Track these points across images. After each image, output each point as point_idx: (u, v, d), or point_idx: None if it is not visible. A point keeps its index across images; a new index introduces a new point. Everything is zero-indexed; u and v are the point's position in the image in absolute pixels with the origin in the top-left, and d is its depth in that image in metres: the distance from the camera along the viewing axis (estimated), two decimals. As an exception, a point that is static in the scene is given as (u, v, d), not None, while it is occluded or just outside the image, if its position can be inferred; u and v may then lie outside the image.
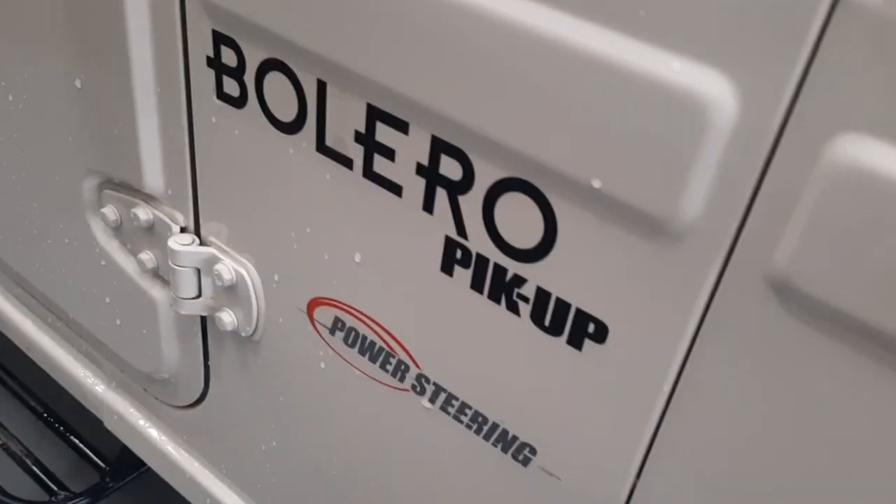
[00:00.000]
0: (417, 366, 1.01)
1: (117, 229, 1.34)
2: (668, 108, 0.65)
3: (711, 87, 0.63)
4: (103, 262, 1.39)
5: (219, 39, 0.97)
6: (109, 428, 1.72)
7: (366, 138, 0.89)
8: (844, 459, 0.71)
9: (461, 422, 0.99)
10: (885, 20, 0.55)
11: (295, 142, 0.97)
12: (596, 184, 0.72)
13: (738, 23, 0.61)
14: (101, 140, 1.23)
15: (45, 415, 2.20)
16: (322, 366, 1.14)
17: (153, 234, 1.26)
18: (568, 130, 0.72)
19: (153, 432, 1.62)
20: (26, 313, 1.82)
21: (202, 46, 1.00)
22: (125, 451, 1.87)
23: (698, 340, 0.75)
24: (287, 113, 0.96)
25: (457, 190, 0.85)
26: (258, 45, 0.94)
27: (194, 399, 1.46)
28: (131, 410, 1.65)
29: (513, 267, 0.85)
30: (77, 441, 2.17)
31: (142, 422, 1.64)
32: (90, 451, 2.15)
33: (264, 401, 1.30)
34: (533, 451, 0.94)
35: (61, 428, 2.18)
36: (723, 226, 0.68)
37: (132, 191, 1.25)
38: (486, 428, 0.97)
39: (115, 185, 1.28)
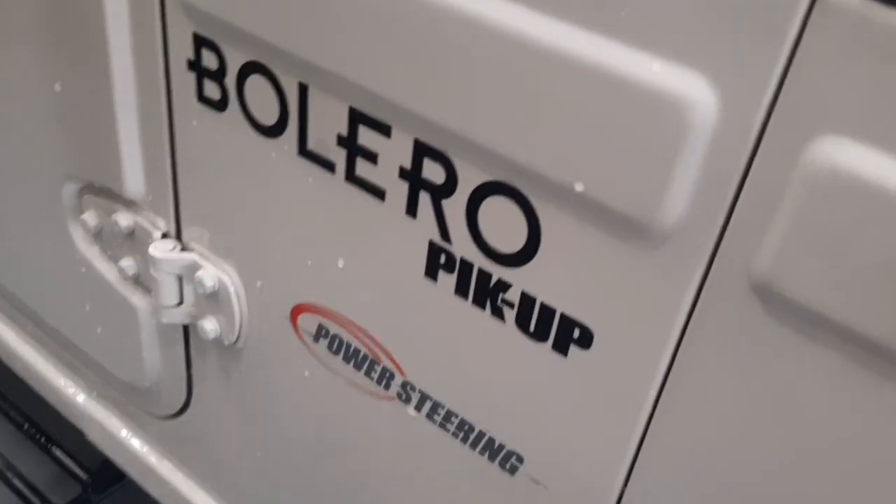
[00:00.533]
0: (402, 373, 1.02)
1: (97, 236, 1.35)
2: (649, 110, 0.66)
3: (692, 88, 0.64)
4: (83, 269, 1.40)
5: (199, 42, 0.98)
6: (91, 439, 1.73)
7: (348, 142, 0.91)
8: (830, 460, 0.72)
9: (447, 430, 1.01)
10: (863, 20, 0.56)
11: (277, 145, 0.98)
12: (578, 187, 0.73)
13: (718, 24, 0.62)
14: (81, 144, 1.24)
15: (26, 426, 2.20)
16: (306, 373, 1.15)
17: (134, 240, 1.27)
18: (549, 133, 0.73)
19: (135, 443, 1.63)
20: (5, 321, 1.83)
21: (183, 49, 1.01)
22: (107, 463, 1.88)
23: (683, 344, 0.76)
24: (269, 116, 0.97)
25: (440, 194, 0.86)
26: (239, 48, 0.95)
27: (177, 409, 1.47)
28: (113, 421, 1.66)
29: (497, 272, 0.86)
30: (58, 452, 2.17)
31: (124, 432, 1.64)
32: (72, 462, 2.16)
33: (248, 410, 1.31)
34: (520, 459, 0.95)
35: (42, 439, 2.18)
36: (705, 229, 0.69)
37: (113, 196, 1.26)
38: (472, 436, 0.98)
39: (96, 190, 1.29)
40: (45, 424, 2.19)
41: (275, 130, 0.97)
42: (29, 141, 1.35)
